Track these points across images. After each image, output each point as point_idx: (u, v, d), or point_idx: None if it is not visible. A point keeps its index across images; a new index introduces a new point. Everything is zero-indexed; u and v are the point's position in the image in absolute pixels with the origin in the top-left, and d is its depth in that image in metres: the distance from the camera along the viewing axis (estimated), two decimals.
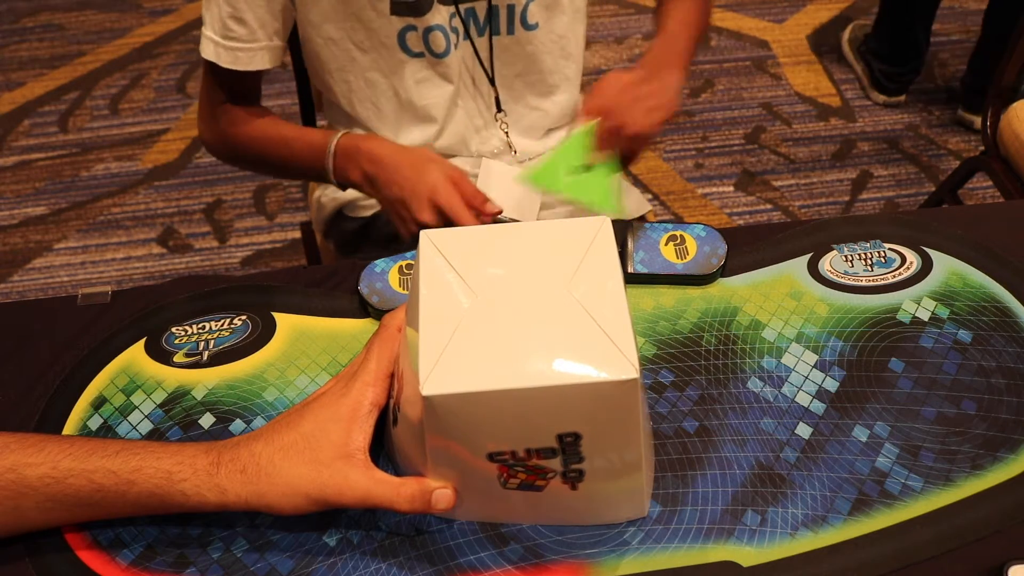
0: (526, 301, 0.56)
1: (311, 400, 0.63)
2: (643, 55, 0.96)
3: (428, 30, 0.96)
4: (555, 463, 0.57)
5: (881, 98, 2.21)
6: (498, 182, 1.01)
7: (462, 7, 0.97)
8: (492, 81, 1.03)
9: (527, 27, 1.00)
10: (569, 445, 0.56)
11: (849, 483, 0.66)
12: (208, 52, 0.96)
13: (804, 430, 0.70)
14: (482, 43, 1.01)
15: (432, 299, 0.57)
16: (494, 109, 1.06)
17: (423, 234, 0.61)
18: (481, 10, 0.98)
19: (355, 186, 0.97)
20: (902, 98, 2.20)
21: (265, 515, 0.65)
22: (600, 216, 0.62)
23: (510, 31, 1.00)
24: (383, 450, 0.67)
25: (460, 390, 0.53)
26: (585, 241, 0.60)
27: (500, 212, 0.91)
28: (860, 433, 0.69)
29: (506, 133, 1.07)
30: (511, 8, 0.98)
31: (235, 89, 1.01)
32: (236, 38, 0.94)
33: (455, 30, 0.98)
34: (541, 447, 0.56)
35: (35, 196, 2.10)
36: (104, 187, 2.11)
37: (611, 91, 0.89)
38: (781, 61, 2.35)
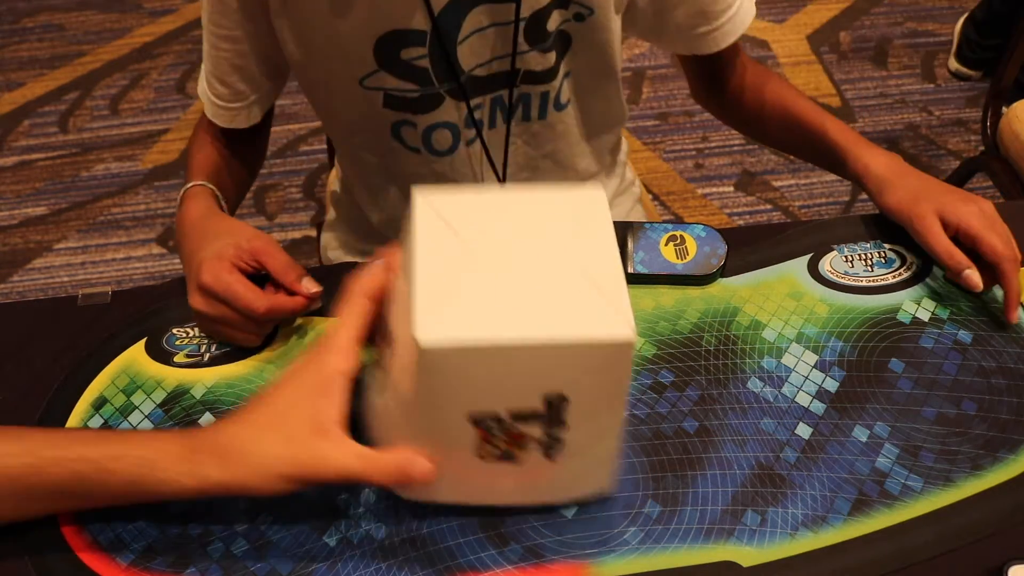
0: (523, 260, 0.56)
1: (282, 375, 0.61)
2: (878, 183, 0.82)
3: (431, 128, 0.85)
4: (536, 429, 0.56)
5: (955, 65, 2.27)
6: None
7: (486, 98, 0.85)
8: (502, 179, 0.92)
9: (559, 108, 0.89)
10: (554, 408, 0.55)
11: (849, 483, 0.66)
12: (200, 90, 0.89)
13: (804, 430, 0.70)
14: (500, 134, 0.89)
15: (427, 254, 0.55)
16: None
17: (417, 192, 0.59)
18: (507, 98, 0.86)
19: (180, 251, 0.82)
20: (972, 73, 2.24)
21: (265, 515, 0.65)
22: (595, 184, 0.61)
23: (542, 116, 0.89)
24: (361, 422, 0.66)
25: (455, 342, 0.52)
26: (582, 207, 0.59)
27: (318, 292, 0.75)
28: (860, 433, 0.69)
29: None
30: (545, 95, 0.87)
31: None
32: (220, 96, 0.87)
33: (471, 124, 0.86)
34: (526, 410, 0.55)
35: (35, 196, 2.10)
36: (104, 187, 2.11)
37: (1004, 241, 0.76)
38: (781, 61, 2.35)
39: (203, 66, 0.87)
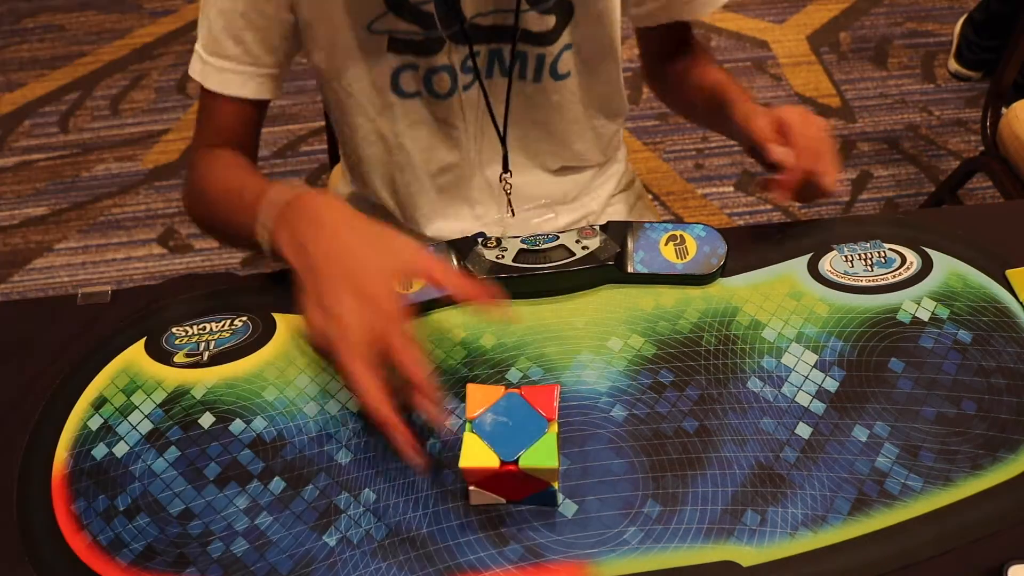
0: None
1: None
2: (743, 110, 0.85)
3: (432, 71, 0.86)
4: None
5: (954, 66, 2.28)
6: None
7: (484, 48, 0.87)
8: (503, 139, 0.93)
9: (556, 77, 0.90)
10: None
11: (849, 483, 0.66)
12: (195, 70, 0.85)
13: (804, 430, 0.70)
14: (497, 86, 0.90)
15: None
16: (499, 168, 0.95)
17: None
18: (508, 52, 0.87)
19: (284, 256, 0.71)
20: (972, 74, 2.25)
21: (265, 515, 0.65)
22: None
23: (536, 79, 0.90)
24: None
25: None
26: None
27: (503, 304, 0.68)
28: (860, 433, 0.69)
29: (508, 192, 0.96)
30: (541, 57, 0.88)
31: (224, 124, 0.87)
32: (228, 57, 0.83)
33: (468, 71, 0.88)
34: None
35: (36, 196, 2.10)
36: (104, 187, 2.11)
37: (809, 134, 0.78)
38: (781, 62, 2.35)
39: (203, 38, 0.83)
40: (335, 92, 0.91)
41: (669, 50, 1.00)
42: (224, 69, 0.84)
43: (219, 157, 0.87)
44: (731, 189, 2.04)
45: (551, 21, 0.86)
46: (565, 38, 0.88)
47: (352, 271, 0.66)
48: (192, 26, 2.52)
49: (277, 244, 0.71)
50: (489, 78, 0.90)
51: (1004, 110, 1.49)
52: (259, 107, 0.90)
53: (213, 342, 0.77)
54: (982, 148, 1.57)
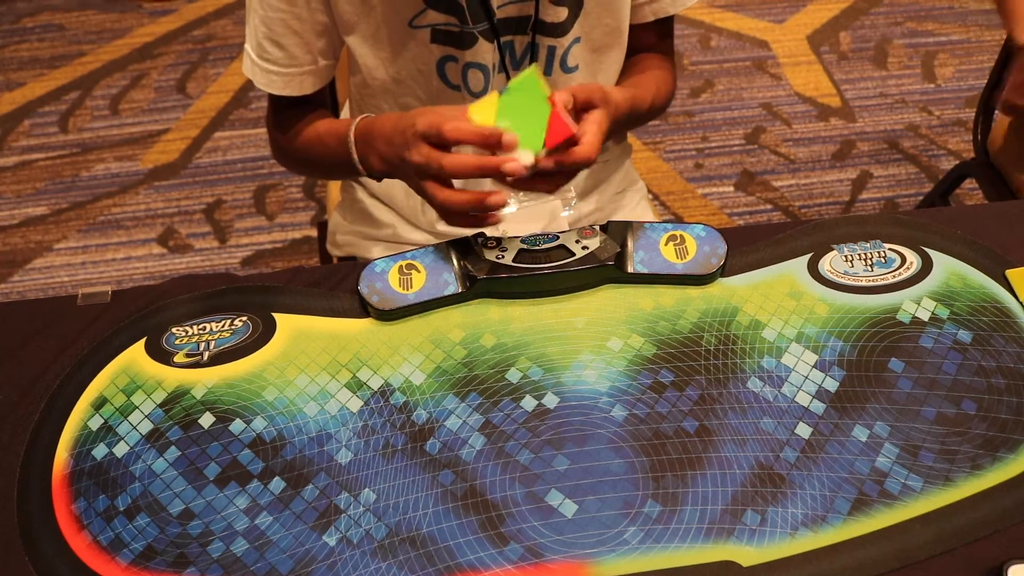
0: None
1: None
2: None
3: (468, 66, 0.90)
4: None
5: None
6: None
7: (501, 39, 0.89)
8: None
9: (566, 70, 0.93)
10: None
11: (849, 483, 0.67)
12: (246, 68, 0.91)
13: (804, 430, 0.70)
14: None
15: None
16: None
17: None
18: (520, 45, 0.91)
19: (383, 175, 0.86)
20: None
21: (265, 515, 0.65)
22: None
23: (547, 72, 0.93)
24: None
25: None
26: None
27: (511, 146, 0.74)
28: (860, 433, 0.69)
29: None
30: (552, 49, 0.91)
31: (287, 102, 0.94)
32: (271, 60, 0.88)
33: (494, 66, 0.91)
34: None
35: (35, 196, 2.10)
36: (104, 187, 2.11)
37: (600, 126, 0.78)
38: (781, 61, 2.35)
39: (250, 40, 0.89)
40: (381, 82, 0.92)
41: (642, 47, 1.00)
42: (269, 71, 0.89)
43: (306, 112, 0.95)
44: (731, 189, 2.04)
45: (563, 13, 0.88)
46: (575, 31, 0.90)
47: (403, 164, 0.79)
48: (191, 26, 2.52)
49: (372, 171, 0.86)
50: (502, 72, 0.92)
51: (996, 116, 1.49)
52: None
53: (213, 342, 0.77)
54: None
